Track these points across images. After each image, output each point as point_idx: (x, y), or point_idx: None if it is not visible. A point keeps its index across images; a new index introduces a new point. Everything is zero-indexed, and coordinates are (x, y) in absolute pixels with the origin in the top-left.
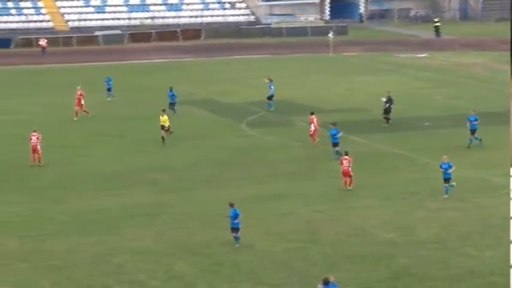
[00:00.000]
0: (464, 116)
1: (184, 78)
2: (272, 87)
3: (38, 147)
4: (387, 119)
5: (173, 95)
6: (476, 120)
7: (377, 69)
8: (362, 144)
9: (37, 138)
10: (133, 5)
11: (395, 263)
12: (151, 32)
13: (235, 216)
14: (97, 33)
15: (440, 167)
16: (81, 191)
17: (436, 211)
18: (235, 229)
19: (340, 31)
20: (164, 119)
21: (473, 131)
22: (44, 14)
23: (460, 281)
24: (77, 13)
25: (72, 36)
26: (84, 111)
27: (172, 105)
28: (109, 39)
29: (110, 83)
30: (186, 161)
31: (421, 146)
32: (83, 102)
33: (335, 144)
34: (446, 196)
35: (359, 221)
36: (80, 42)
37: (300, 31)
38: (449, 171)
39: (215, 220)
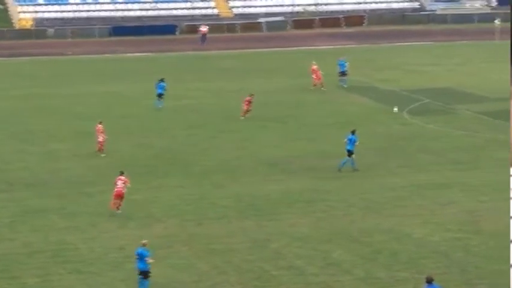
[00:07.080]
0: None
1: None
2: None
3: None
4: None
5: (163, 86)
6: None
7: None
8: None
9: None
10: None
11: None
12: (314, 19)
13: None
14: (260, 20)
15: (137, 254)
16: (242, 175)
17: None
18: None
19: (508, 17)
20: None
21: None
22: (209, 1)
23: None
24: (241, 0)
25: (236, 23)
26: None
27: (160, 95)
28: (272, 26)
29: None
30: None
31: None
32: (316, 76)
33: None
34: None
35: None
36: (243, 28)
37: (466, 18)
38: (147, 259)
39: (375, 208)
